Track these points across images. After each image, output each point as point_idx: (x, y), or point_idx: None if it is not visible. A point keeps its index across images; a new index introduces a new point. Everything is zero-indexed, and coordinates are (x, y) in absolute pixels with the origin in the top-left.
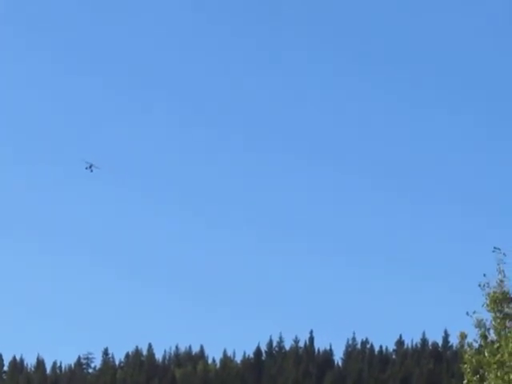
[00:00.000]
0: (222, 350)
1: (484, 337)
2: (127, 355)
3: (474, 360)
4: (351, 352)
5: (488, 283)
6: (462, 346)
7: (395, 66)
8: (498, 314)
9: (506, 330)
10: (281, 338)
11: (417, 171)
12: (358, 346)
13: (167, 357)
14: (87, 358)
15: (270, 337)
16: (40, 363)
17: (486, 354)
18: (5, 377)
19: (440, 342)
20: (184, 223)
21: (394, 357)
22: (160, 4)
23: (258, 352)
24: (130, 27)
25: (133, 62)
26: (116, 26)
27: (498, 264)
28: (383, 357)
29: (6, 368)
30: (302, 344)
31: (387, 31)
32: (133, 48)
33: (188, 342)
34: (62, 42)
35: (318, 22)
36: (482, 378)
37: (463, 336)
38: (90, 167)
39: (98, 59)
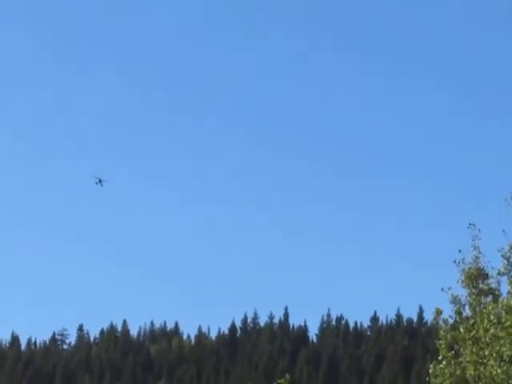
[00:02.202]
0: (197, 327)
1: (459, 313)
2: (102, 331)
3: (448, 336)
4: (326, 328)
5: (463, 259)
6: (437, 322)
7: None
8: (473, 290)
9: (481, 305)
10: (255, 314)
11: (400, 157)
12: (333, 322)
13: (142, 333)
14: (62, 335)
15: (245, 313)
16: (15, 339)
17: (461, 330)
18: None
19: (415, 319)
20: (157, 201)
21: (368, 333)
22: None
23: (232, 328)
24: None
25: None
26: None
27: (473, 240)
28: (358, 333)
29: None
30: (276, 320)
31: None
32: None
33: (163, 318)
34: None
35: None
36: (457, 354)
37: (438, 312)
38: (100, 182)
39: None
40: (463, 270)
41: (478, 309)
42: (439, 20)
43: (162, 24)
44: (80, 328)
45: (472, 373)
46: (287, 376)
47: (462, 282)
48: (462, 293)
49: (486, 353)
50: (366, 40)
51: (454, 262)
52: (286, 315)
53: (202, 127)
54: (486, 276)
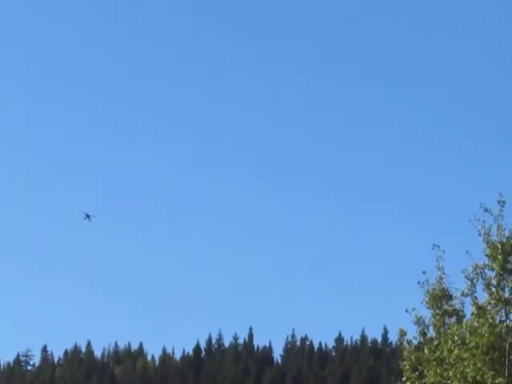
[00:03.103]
0: (161, 347)
1: (423, 334)
2: (66, 352)
3: (413, 357)
4: (290, 349)
5: (427, 280)
6: (401, 342)
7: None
8: (437, 311)
9: (445, 326)
10: (220, 335)
11: (352, 171)
12: (298, 342)
13: (106, 354)
14: (26, 356)
15: (209, 334)
16: None
17: (425, 351)
18: None
19: (379, 339)
20: (119, 221)
21: (333, 354)
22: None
23: (197, 349)
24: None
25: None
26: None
27: (437, 261)
28: (323, 354)
29: None
30: (241, 341)
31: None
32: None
33: (127, 339)
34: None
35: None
36: (421, 375)
37: (402, 333)
38: (88, 217)
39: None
40: (427, 290)
41: (442, 330)
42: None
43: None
44: (44, 349)
45: None
46: None
47: (426, 302)
48: (426, 314)
49: (450, 374)
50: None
51: (418, 283)
52: (251, 336)
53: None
54: (450, 297)
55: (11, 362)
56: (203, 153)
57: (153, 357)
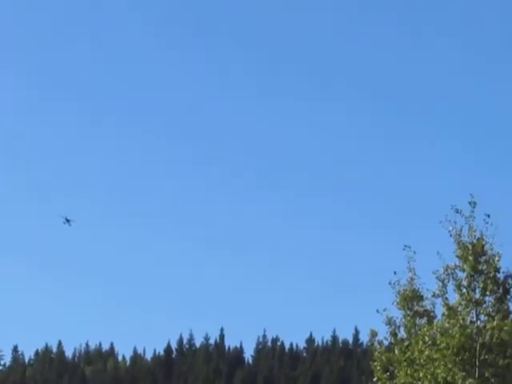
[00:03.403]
0: (133, 348)
1: (394, 334)
2: (37, 352)
3: (383, 357)
4: (262, 349)
5: (398, 281)
6: (372, 343)
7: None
8: (408, 312)
9: (416, 327)
10: (191, 335)
11: (322, 171)
12: (269, 343)
13: (77, 354)
14: None
15: (181, 334)
16: None
17: (396, 352)
18: None
19: (350, 340)
20: (92, 222)
21: (304, 354)
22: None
23: (168, 349)
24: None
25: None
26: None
27: (409, 262)
28: (294, 354)
29: None
30: (212, 341)
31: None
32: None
33: (98, 339)
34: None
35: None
36: (392, 376)
37: (373, 333)
38: (68, 221)
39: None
40: (398, 291)
41: (412, 330)
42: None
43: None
44: (15, 349)
45: None
46: None
47: (397, 303)
48: (397, 314)
49: (421, 374)
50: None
51: (390, 283)
52: (222, 336)
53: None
54: (421, 298)
55: None
56: (194, 162)
57: (124, 357)
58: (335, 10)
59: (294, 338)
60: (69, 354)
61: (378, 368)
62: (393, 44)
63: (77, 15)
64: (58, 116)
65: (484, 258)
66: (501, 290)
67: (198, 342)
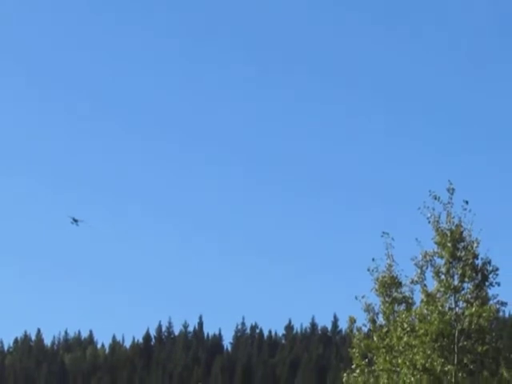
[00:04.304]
0: (111, 336)
1: (372, 321)
2: (16, 340)
3: (362, 344)
4: (240, 337)
5: (377, 268)
6: (351, 330)
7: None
8: (386, 299)
9: (395, 314)
10: (170, 323)
11: (302, 161)
12: (247, 330)
13: (56, 342)
14: None
15: (159, 322)
16: None
17: (375, 339)
18: None
19: (329, 327)
20: (70, 211)
21: (283, 341)
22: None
23: (147, 337)
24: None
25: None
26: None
27: (387, 249)
28: (272, 341)
29: None
30: (191, 329)
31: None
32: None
33: (77, 327)
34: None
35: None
36: (371, 363)
37: (352, 320)
38: (75, 221)
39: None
40: (377, 278)
41: (391, 317)
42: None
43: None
44: None
45: (385, 381)
46: None
47: (376, 290)
48: (376, 301)
49: (399, 361)
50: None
51: (368, 270)
52: (201, 324)
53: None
54: (400, 284)
55: None
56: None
57: (103, 345)
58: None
59: (272, 325)
60: (48, 341)
61: (357, 355)
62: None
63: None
64: (64, 114)
65: (462, 244)
66: (479, 277)
67: (176, 330)
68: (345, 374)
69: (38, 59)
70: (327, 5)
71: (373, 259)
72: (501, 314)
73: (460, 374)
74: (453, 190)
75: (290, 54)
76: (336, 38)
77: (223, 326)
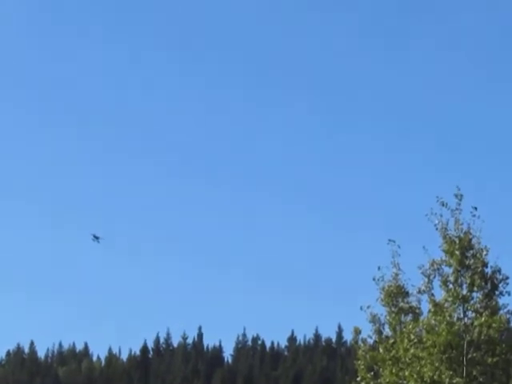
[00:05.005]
0: (107, 348)
1: (378, 332)
2: (8, 353)
3: (368, 356)
4: (241, 349)
5: (382, 277)
6: (356, 341)
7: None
8: (392, 309)
9: (401, 325)
10: (168, 334)
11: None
12: (249, 342)
13: (50, 354)
14: None
15: (157, 333)
16: None
17: (381, 350)
18: None
19: (334, 338)
20: (58, 224)
21: (286, 353)
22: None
23: (144, 349)
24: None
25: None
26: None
27: (393, 257)
28: (275, 353)
29: None
30: (190, 341)
31: None
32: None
33: (72, 338)
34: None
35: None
36: (377, 375)
37: (357, 331)
38: (97, 238)
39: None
40: (383, 287)
41: (397, 328)
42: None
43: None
44: None
45: None
46: None
47: (382, 300)
48: (382, 311)
49: (406, 374)
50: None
51: (373, 279)
52: (200, 335)
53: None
54: (406, 294)
55: None
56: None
57: (98, 357)
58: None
59: (274, 336)
60: (41, 354)
61: (362, 367)
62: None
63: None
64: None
65: (471, 252)
66: (489, 286)
67: (175, 342)
68: None
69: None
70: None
71: (378, 268)
72: (511, 324)
73: None
74: (461, 195)
75: (289, 73)
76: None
77: (223, 338)
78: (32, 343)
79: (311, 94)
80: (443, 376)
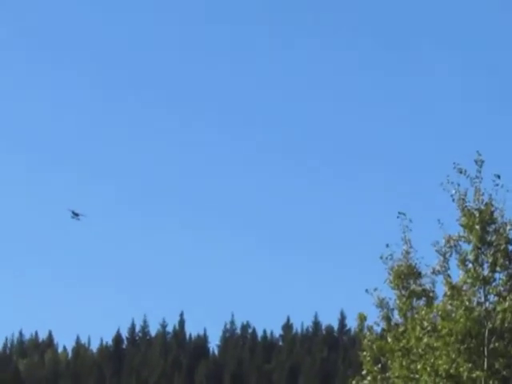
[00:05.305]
0: (75, 337)
1: (387, 319)
2: None
3: (374, 347)
4: (229, 338)
5: (391, 255)
6: (361, 329)
7: None
8: (403, 292)
9: (413, 310)
10: (145, 321)
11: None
12: (238, 330)
13: (9, 345)
14: None
15: (132, 320)
16: None
17: (389, 340)
18: None
19: (335, 326)
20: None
21: (280, 343)
22: None
23: (117, 338)
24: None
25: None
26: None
27: (404, 232)
28: (268, 343)
29: None
30: (170, 329)
31: None
32: None
33: (34, 327)
34: None
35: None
36: (384, 368)
37: (362, 318)
38: (76, 215)
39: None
40: (391, 267)
41: (408, 314)
42: None
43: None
44: None
45: None
46: None
47: (390, 282)
48: (391, 295)
49: (419, 366)
50: None
51: (381, 258)
52: (182, 323)
53: None
54: (419, 275)
55: None
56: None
57: (65, 348)
58: None
59: (267, 324)
60: None
61: (368, 359)
62: None
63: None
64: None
65: (493, 226)
66: None
67: (153, 330)
68: (353, 382)
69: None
70: None
71: (387, 245)
72: None
73: (491, 382)
74: (482, 161)
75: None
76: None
77: (208, 325)
78: None
79: None
80: (461, 369)
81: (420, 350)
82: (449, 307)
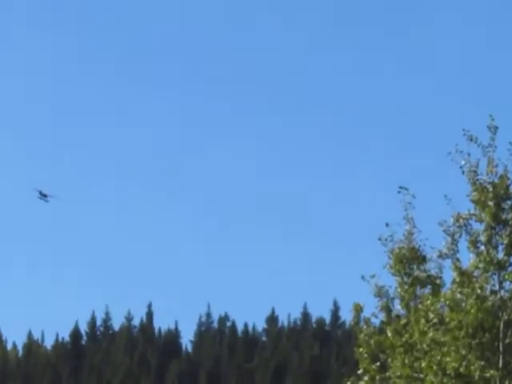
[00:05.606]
0: (26, 332)
1: (386, 310)
2: None
3: (372, 342)
4: (205, 333)
5: (392, 236)
6: (357, 322)
7: None
8: (405, 279)
9: (417, 300)
10: (107, 314)
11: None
12: (215, 324)
13: None
14: None
15: (93, 312)
16: None
17: (389, 334)
18: None
19: (327, 318)
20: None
21: (264, 339)
22: None
23: (75, 333)
24: None
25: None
26: None
27: (406, 210)
28: (249, 339)
29: None
30: (136, 322)
31: None
32: None
33: None
34: None
35: None
36: (384, 367)
37: (358, 309)
38: (45, 196)
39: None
40: (392, 250)
41: (411, 304)
42: None
43: None
44: None
45: None
46: None
47: (391, 267)
48: (391, 282)
49: (423, 364)
50: None
51: (380, 239)
52: (150, 315)
53: None
54: (423, 259)
55: None
56: None
57: (14, 345)
58: None
59: (249, 316)
60: None
61: (365, 356)
62: None
63: None
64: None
65: (509, 203)
66: None
67: (116, 324)
68: (349, 383)
69: None
70: None
71: (386, 224)
72: None
73: (506, 382)
74: (495, 128)
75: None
76: None
77: (181, 318)
78: None
79: None
80: (472, 367)
81: (425, 346)
82: (458, 296)
